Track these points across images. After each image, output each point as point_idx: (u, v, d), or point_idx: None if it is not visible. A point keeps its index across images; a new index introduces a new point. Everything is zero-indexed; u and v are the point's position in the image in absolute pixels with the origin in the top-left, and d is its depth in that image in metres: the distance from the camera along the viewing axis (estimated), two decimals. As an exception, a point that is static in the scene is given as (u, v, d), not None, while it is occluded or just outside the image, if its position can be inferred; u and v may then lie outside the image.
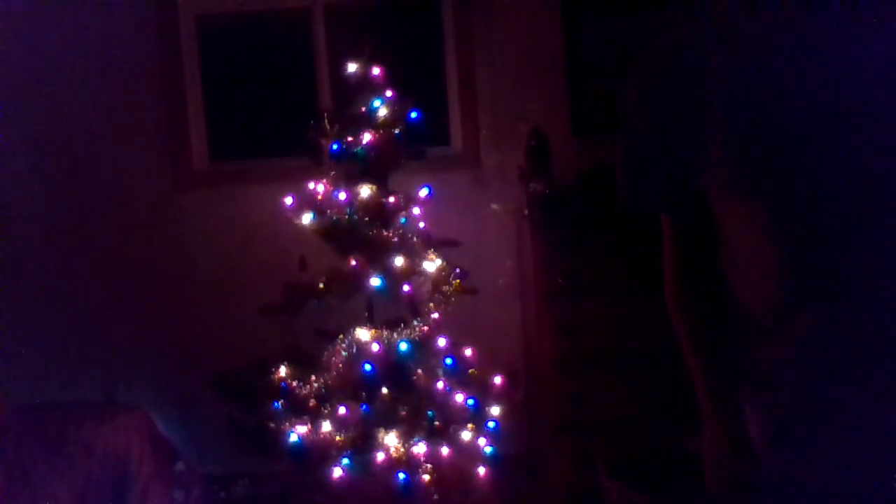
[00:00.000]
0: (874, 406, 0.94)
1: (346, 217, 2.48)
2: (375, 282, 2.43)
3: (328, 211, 2.50)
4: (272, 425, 2.43)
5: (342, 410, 2.40)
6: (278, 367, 2.49)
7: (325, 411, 2.42)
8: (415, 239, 2.52)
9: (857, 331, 0.95)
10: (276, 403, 2.44)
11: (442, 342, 2.52)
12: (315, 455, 2.37)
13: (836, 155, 0.92)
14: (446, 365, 2.48)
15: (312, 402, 2.43)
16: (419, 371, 2.47)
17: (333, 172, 2.55)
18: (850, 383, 0.95)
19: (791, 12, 0.95)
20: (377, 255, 2.46)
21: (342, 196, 2.49)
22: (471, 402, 2.48)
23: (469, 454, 2.47)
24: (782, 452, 1.01)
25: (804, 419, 0.99)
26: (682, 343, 1.16)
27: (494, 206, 3.24)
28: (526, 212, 2.88)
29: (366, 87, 2.55)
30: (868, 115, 0.92)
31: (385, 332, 2.48)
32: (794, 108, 0.93)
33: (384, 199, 2.51)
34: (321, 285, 2.46)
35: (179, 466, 2.93)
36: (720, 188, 1.00)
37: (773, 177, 0.94)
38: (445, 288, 2.50)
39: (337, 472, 2.36)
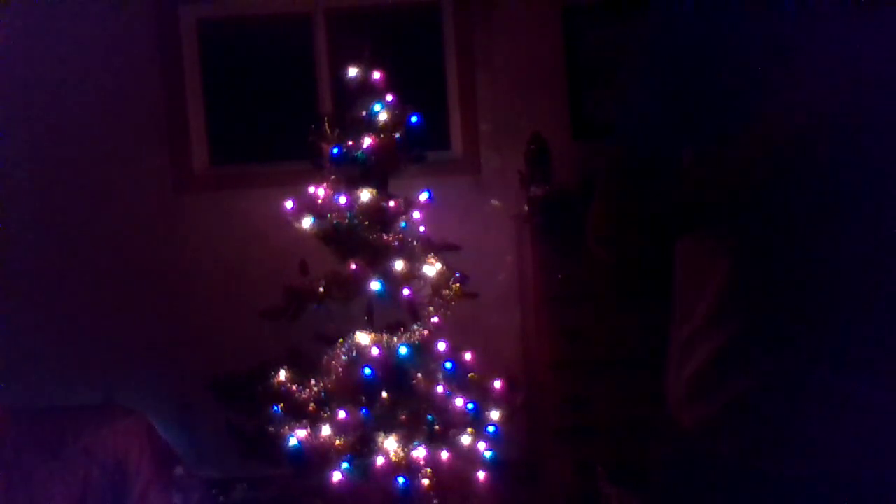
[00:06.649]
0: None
1: (347, 221, 2.48)
2: (375, 286, 2.43)
3: (328, 215, 2.51)
4: (272, 429, 2.42)
5: (342, 414, 2.40)
6: (278, 371, 2.49)
7: (325, 415, 2.41)
8: (415, 243, 2.52)
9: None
10: (275, 407, 2.44)
11: (442, 346, 2.52)
12: (314, 459, 2.37)
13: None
14: (446, 369, 2.48)
15: (312, 406, 2.43)
16: (419, 375, 2.47)
17: (334, 176, 2.55)
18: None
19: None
20: (377, 259, 2.46)
21: (342, 200, 2.49)
22: (470, 406, 2.48)
23: (469, 458, 2.47)
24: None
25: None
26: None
27: (494, 201, 3.25)
28: (526, 214, 2.88)
29: (366, 91, 2.56)
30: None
31: (385, 336, 2.48)
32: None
33: (384, 203, 2.51)
34: (321, 289, 2.46)
35: (178, 470, 2.93)
36: None
37: None
38: (445, 292, 2.50)
39: (336, 477, 2.35)
